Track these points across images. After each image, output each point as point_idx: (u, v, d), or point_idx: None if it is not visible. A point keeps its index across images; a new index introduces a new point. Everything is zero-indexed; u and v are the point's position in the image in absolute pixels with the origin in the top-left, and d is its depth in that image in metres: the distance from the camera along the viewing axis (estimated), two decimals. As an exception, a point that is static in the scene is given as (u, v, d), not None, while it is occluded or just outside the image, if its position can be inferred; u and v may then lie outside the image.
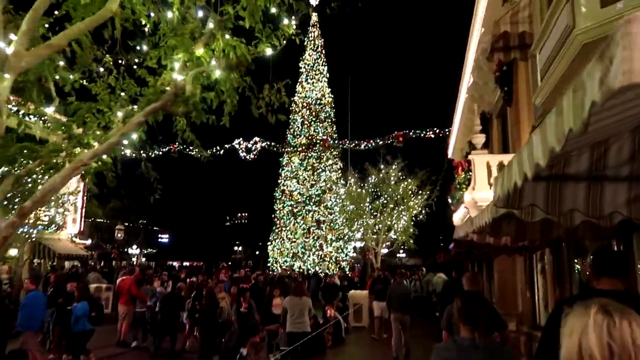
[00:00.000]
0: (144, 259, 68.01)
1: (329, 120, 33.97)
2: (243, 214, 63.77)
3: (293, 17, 5.06)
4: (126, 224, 60.98)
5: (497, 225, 4.62)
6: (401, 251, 57.15)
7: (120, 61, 5.67)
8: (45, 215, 17.28)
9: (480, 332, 2.78)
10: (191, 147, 23.85)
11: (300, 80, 35.22)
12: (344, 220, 21.03)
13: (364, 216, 18.54)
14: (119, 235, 20.30)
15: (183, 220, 78.33)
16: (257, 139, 21.88)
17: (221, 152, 22.31)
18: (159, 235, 75.43)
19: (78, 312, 9.22)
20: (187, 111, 5.11)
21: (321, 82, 34.98)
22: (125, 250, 60.97)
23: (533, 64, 7.93)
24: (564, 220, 3.77)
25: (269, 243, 33.17)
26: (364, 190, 18.91)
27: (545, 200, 3.11)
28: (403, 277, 12.71)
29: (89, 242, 47.53)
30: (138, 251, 65.82)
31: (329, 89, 35.27)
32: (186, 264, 55.71)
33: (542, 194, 3.10)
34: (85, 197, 24.36)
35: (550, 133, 1.72)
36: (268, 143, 21.85)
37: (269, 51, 5.08)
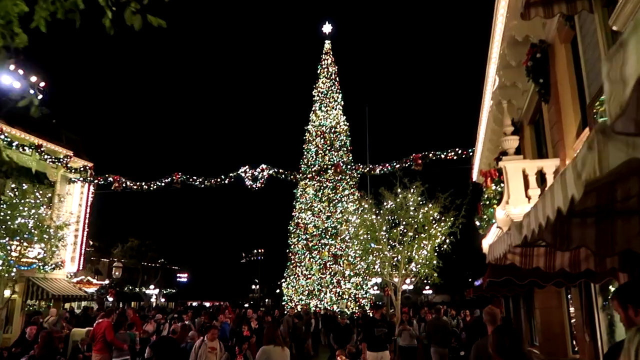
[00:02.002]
0: (163, 300, 66.46)
1: (345, 149, 32.44)
2: (259, 250, 61.77)
3: None
4: (144, 263, 60.01)
5: (567, 227, 2.78)
6: (427, 287, 54.11)
7: None
8: (28, 251, 15.87)
9: None
10: (194, 177, 22.57)
11: (313, 108, 34.06)
12: (359, 252, 18.97)
13: (381, 246, 16.51)
14: (117, 273, 18.77)
15: (201, 259, 76.98)
16: (264, 166, 20.30)
17: (226, 180, 20.78)
18: (178, 275, 73.96)
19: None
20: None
21: (335, 109, 33.71)
22: (142, 289, 59.65)
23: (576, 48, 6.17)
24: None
25: (283, 280, 31.14)
26: (379, 217, 16.93)
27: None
28: (439, 312, 12.80)
29: (106, 281, 46.46)
30: (157, 291, 64.35)
31: (344, 117, 33.95)
32: (207, 304, 53.87)
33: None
34: (85, 235, 23.05)
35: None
36: (275, 170, 20.24)
37: None
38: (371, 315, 17.75)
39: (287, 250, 31.51)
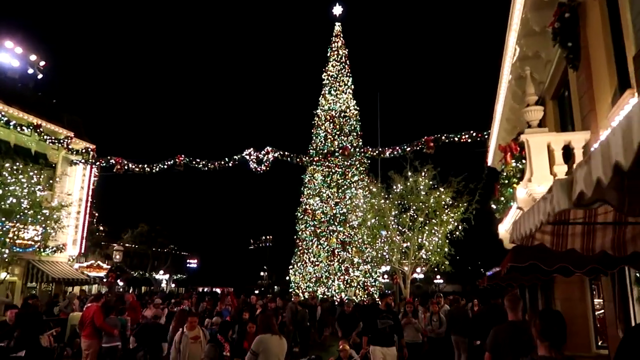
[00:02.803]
0: (173, 285, 66.66)
1: (355, 134, 31.47)
2: (267, 237, 61.30)
3: None
4: (154, 248, 60.08)
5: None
6: (438, 276, 53.27)
7: None
8: (23, 233, 15.36)
9: (557, 351, 2.63)
10: (197, 160, 21.90)
11: (323, 92, 33.08)
12: (367, 238, 18.17)
13: (389, 232, 15.73)
14: (117, 257, 18.25)
15: (210, 245, 76.95)
16: (269, 148, 19.53)
17: (230, 163, 20.07)
18: (188, 261, 74.08)
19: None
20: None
21: (345, 93, 32.68)
22: (152, 275, 59.76)
23: None
24: None
25: (290, 267, 30.51)
26: (388, 202, 16.11)
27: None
28: (459, 301, 12.93)
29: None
30: (167, 277, 64.49)
31: (354, 101, 32.92)
32: (217, 290, 53.65)
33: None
34: (88, 218, 22.58)
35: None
36: (281, 153, 19.46)
37: None
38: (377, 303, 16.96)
39: (295, 237, 30.85)
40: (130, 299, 15.25)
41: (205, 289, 54.88)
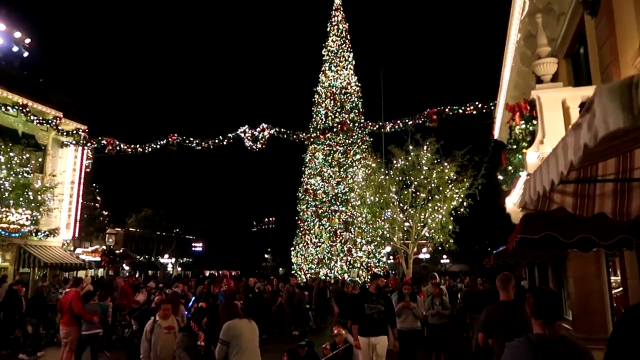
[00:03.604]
0: (179, 269, 66.71)
1: (356, 111, 30.50)
2: (270, 219, 60.77)
3: None
4: (158, 232, 59.92)
5: None
6: (444, 256, 52.63)
7: None
8: (7, 216, 14.72)
9: (551, 327, 2.67)
10: (191, 139, 21.10)
11: (323, 68, 32.04)
12: (367, 216, 17.36)
13: (390, 209, 14.92)
14: (111, 240, 17.66)
15: (215, 228, 76.75)
16: (264, 125, 18.67)
17: (224, 142, 19.26)
18: (193, 244, 74.02)
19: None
20: None
21: (346, 69, 31.62)
22: (158, 259, 59.74)
23: None
24: None
25: (292, 248, 29.93)
26: (388, 177, 15.26)
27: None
28: (474, 281, 13.17)
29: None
30: (172, 260, 64.48)
31: (355, 77, 31.86)
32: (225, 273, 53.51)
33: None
34: (81, 201, 21.95)
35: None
36: (277, 130, 18.59)
37: None
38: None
39: (296, 218, 30.20)
40: (122, 283, 14.70)
41: (214, 273, 54.74)
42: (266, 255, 63.28)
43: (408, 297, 8.95)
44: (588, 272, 8.73)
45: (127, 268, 51.30)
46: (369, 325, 7.14)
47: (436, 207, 14.73)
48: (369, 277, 26.84)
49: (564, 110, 5.98)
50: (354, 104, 30.66)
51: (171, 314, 6.28)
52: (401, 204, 15.42)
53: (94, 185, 45.05)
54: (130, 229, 56.44)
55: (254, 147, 18.71)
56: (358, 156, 29.14)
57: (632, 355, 2.61)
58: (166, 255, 60.52)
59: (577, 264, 8.80)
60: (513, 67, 11.49)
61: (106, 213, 49.95)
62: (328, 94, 30.91)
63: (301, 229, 29.42)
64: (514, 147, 6.69)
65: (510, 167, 7.76)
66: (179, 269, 66.68)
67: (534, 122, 6.16)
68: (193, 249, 73.54)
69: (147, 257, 58.47)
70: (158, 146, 20.10)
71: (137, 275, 48.46)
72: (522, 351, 2.67)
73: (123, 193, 67.12)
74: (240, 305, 12.01)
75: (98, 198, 45.73)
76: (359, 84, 31.65)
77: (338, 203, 28.25)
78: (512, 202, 9.33)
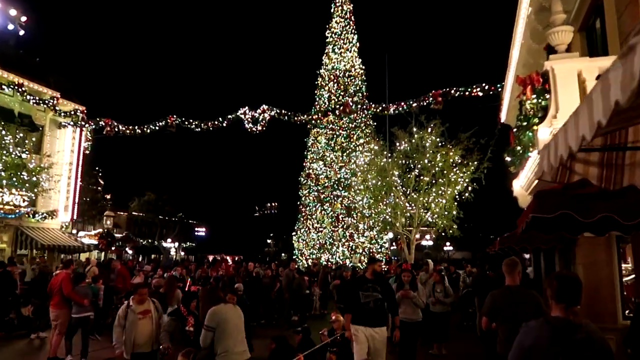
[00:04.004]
0: (183, 253, 66.90)
1: (360, 94, 29.92)
2: (273, 204, 60.60)
3: None
4: (161, 217, 59.90)
5: None
6: (448, 243, 52.26)
7: None
8: (1, 197, 14.42)
9: (574, 311, 2.62)
10: (190, 120, 20.69)
11: (326, 50, 31.40)
12: (369, 200, 16.96)
13: (392, 193, 14.51)
14: (108, 222, 17.39)
15: (218, 213, 76.76)
16: (264, 106, 18.20)
17: (224, 123, 18.83)
18: (196, 229, 74.14)
19: None
20: None
21: (350, 51, 30.97)
22: (161, 243, 59.85)
23: None
24: None
25: (293, 233, 29.66)
26: (391, 160, 14.81)
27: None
28: (484, 266, 12.54)
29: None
30: (176, 245, 64.59)
31: (359, 60, 31.22)
32: (228, 258, 53.57)
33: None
34: (79, 183, 21.66)
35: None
36: (277, 111, 18.13)
37: None
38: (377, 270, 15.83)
39: (298, 203, 29.87)
40: (119, 266, 14.47)
41: (217, 257, 54.76)
42: (268, 241, 63.28)
43: (408, 285, 8.07)
44: (598, 258, 8.31)
45: (130, 252, 51.40)
46: (365, 315, 6.35)
47: (440, 192, 14.31)
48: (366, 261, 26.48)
49: (579, 83, 5.52)
50: (357, 87, 30.09)
51: (148, 299, 5.85)
52: (404, 188, 15.01)
53: (97, 169, 44.90)
54: (134, 213, 56.48)
55: (254, 129, 18.27)
56: (361, 140, 28.66)
57: None
58: (169, 240, 60.61)
59: (587, 250, 8.38)
60: (523, 44, 10.94)
61: (109, 197, 49.87)
62: (331, 76, 30.34)
63: (303, 214, 29.12)
64: (524, 124, 6.24)
65: (519, 147, 7.31)
66: (182, 253, 66.87)
67: (547, 95, 5.70)
68: (196, 233, 73.65)
69: (150, 241, 58.59)
70: (157, 128, 19.71)
71: (140, 259, 48.56)
72: (541, 333, 2.61)
73: (126, 177, 67.05)
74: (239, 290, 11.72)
75: (101, 181, 45.63)
76: (363, 67, 31.06)
77: (340, 188, 27.88)
78: (520, 185, 8.90)
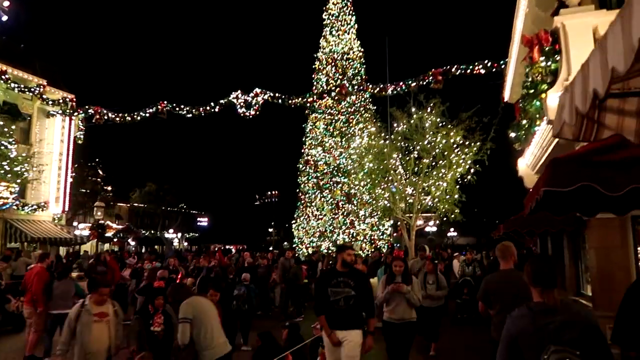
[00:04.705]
0: (185, 243, 66.75)
1: (359, 77, 29.06)
2: (273, 192, 60.15)
3: None
4: (163, 207, 59.64)
5: None
6: (452, 229, 51.67)
7: None
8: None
9: (549, 293, 2.62)
10: (181, 106, 20.03)
11: (324, 33, 30.48)
12: (367, 183, 16.31)
13: (391, 177, 13.84)
14: (99, 213, 16.86)
15: (220, 203, 76.46)
16: (257, 90, 17.49)
17: (216, 108, 18.14)
18: (198, 219, 73.92)
19: None
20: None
21: (348, 33, 30.02)
22: (163, 234, 59.63)
23: None
24: None
25: (293, 221, 29.11)
26: (389, 142, 14.12)
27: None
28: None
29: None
30: (178, 235, 64.43)
31: (358, 42, 30.31)
32: (232, 248, 53.40)
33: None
34: (70, 175, 21.08)
35: None
36: (271, 94, 17.41)
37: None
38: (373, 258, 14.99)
39: (297, 190, 29.26)
40: (108, 258, 14.00)
41: (221, 247, 54.57)
42: (270, 229, 62.97)
43: (400, 277, 6.36)
44: (611, 242, 7.62)
45: (132, 243, 51.18)
46: (334, 316, 5.20)
47: (440, 174, 13.63)
48: (373, 249, 25.92)
49: (595, 40, 4.79)
50: (356, 71, 29.23)
51: (108, 299, 5.09)
52: (403, 171, 14.34)
53: (97, 160, 44.40)
54: (135, 204, 56.18)
55: (247, 113, 17.58)
56: (361, 125, 27.90)
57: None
58: (171, 230, 60.38)
59: (599, 234, 7.69)
60: (527, 13, 10.13)
61: (110, 188, 49.45)
62: (329, 60, 29.47)
63: (302, 201, 28.53)
64: (531, 91, 5.53)
65: (524, 121, 6.62)
66: (185, 243, 66.71)
67: (557, 57, 4.99)
68: (198, 223, 73.44)
69: (152, 232, 58.38)
70: (147, 115, 19.05)
71: (142, 250, 48.29)
72: (524, 320, 2.62)
73: (127, 168, 66.57)
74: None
75: (100, 173, 45.18)
76: (362, 49, 30.16)
77: (340, 174, 27.23)
78: (526, 164, 8.21)
